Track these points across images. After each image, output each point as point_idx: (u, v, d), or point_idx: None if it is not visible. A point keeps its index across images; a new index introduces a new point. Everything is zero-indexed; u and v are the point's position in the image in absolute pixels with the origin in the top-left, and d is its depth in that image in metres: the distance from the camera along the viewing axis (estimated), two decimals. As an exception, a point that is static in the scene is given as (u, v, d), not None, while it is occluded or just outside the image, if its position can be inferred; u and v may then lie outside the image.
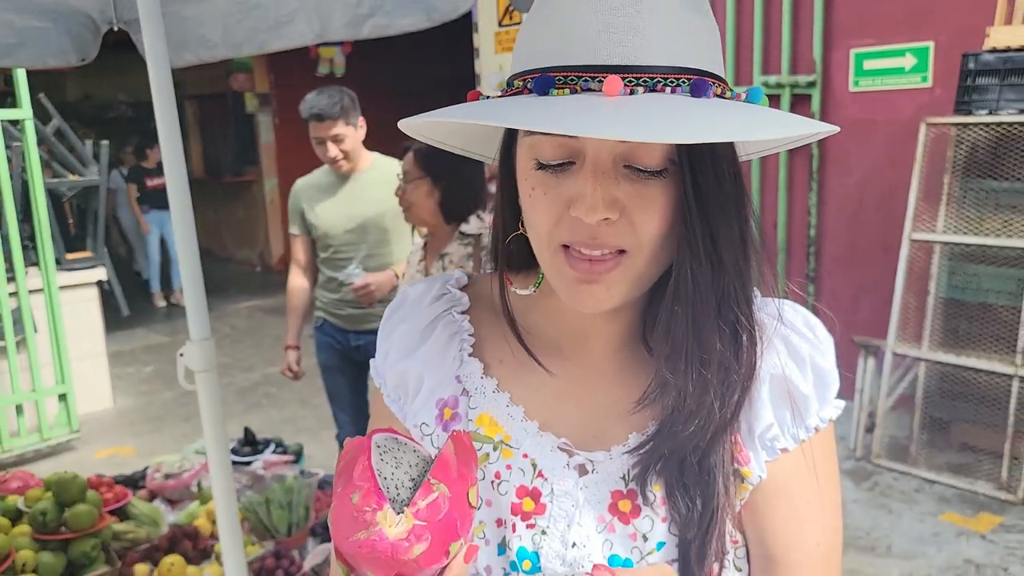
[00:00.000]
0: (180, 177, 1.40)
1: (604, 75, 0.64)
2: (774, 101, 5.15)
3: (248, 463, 3.11)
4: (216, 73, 9.45)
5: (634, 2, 0.65)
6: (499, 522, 0.80)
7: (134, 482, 3.04)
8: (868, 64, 4.74)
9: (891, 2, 4.61)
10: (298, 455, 3.23)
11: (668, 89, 0.65)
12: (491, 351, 0.86)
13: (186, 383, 1.51)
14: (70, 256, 5.27)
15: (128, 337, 7.03)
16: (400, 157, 2.57)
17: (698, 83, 0.66)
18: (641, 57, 0.65)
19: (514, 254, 0.83)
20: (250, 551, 2.48)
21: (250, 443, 3.29)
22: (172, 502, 2.90)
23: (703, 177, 0.69)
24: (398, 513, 0.62)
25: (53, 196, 5.15)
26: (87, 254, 5.37)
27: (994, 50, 3.94)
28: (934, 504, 3.81)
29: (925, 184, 4.16)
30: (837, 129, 0.71)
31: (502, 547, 0.80)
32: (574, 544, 0.78)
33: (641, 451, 0.77)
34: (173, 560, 2.20)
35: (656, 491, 0.78)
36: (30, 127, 4.58)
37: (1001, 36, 3.95)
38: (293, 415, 5.29)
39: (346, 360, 3.10)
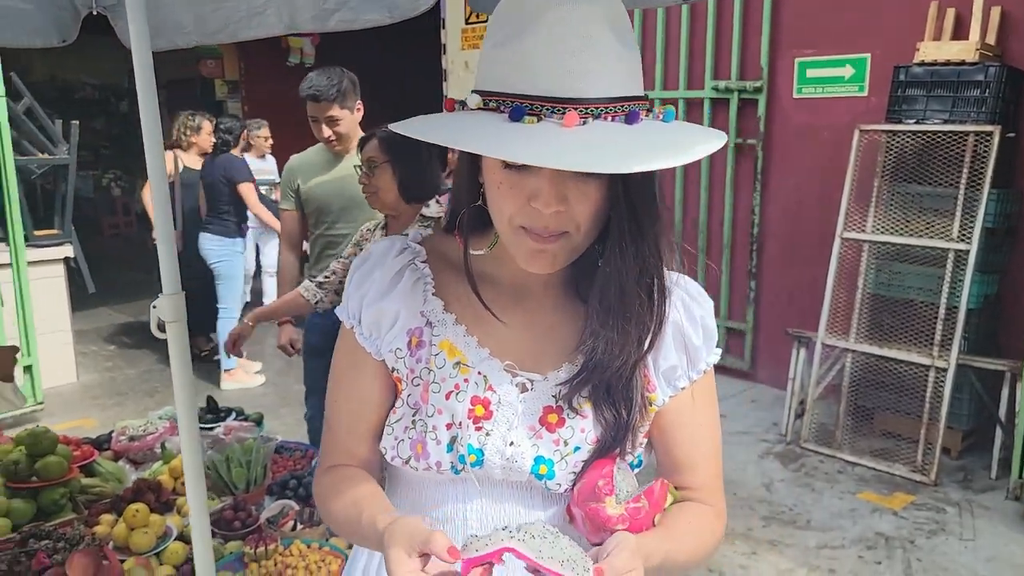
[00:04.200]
0: (157, 152, 1.59)
1: (565, 106, 0.86)
2: (723, 105, 5.42)
3: (211, 428, 3.28)
4: (185, 58, 9.51)
5: (587, 48, 0.86)
6: (448, 426, 1.02)
7: (99, 444, 3.19)
8: (811, 72, 5.02)
9: (833, 15, 4.89)
10: (259, 422, 3.40)
11: (609, 117, 0.88)
12: (449, 293, 1.08)
13: (158, 332, 1.71)
14: (38, 233, 5.36)
15: (93, 316, 7.12)
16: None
17: (632, 113, 0.89)
18: (591, 92, 0.87)
19: (471, 220, 1.04)
20: (210, 504, 2.65)
21: (212, 411, 3.46)
22: (136, 463, 3.06)
23: (630, 178, 0.93)
24: (618, 503, 0.97)
25: (22, 174, 5.25)
26: (55, 232, 5.47)
27: (923, 63, 4.23)
28: (854, 484, 4.09)
29: (857, 187, 4.45)
30: (725, 138, 0.95)
31: (451, 445, 1.02)
32: (511, 443, 1.02)
33: (575, 381, 1.02)
34: (138, 507, 2.37)
35: (585, 406, 1.03)
36: (2, 105, 4.69)
37: (929, 51, 4.24)
38: (254, 392, 5.45)
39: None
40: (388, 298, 1.08)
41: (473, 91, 0.94)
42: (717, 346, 1.13)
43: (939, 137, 4.16)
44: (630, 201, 0.95)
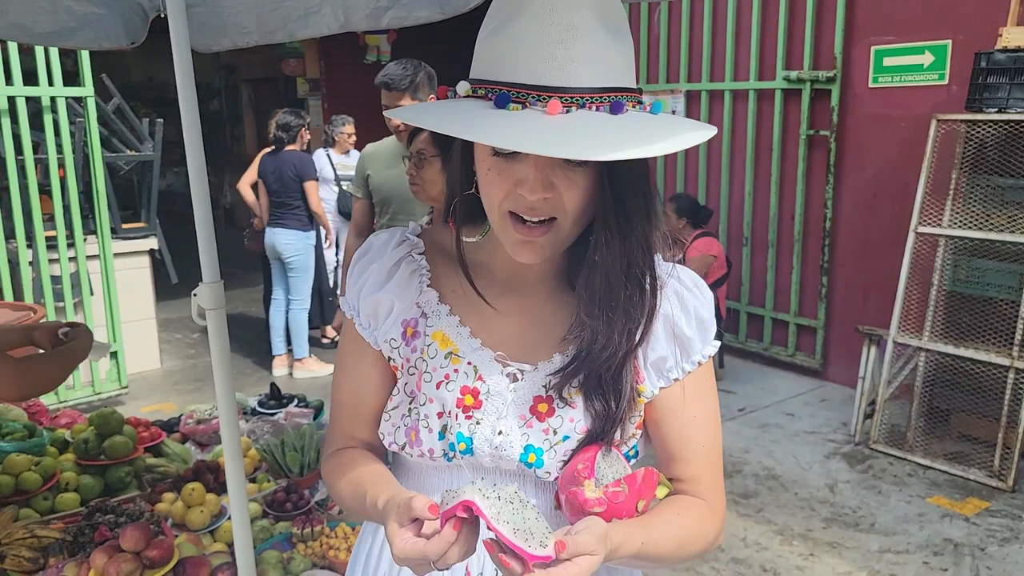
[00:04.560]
0: (196, 142, 1.67)
1: (549, 94, 0.87)
2: (795, 96, 5.29)
3: (272, 415, 3.41)
4: (269, 58, 9.82)
5: (572, 37, 0.87)
6: (439, 414, 1.05)
7: (170, 426, 3.36)
8: (888, 61, 4.84)
9: (912, 1, 4.71)
10: (319, 410, 3.50)
11: (594, 107, 0.88)
12: (444, 284, 1.11)
13: (199, 319, 1.79)
14: (125, 226, 5.65)
15: (178, 305, 7.44)
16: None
17: (616, 103, 0.89)
18: (575, 81, 0.88)
19: (464, 209, 1.06)
20: (265, 487, 2.77)
21: (275, 397, 3.59)
22: (202, 445, 3.21)
23: (616, 169, 0.93)
24: (596, 487, 0.98)
25: (111, 170, 5.53)
26: (141, 225, 5.75)
27: (1005, 49, 4.02)
28: (924, 488, 3.94)
29: (933, 179, 4.27)
30: (713, 131, 0.95)
31: (442, 434, 1.05)
32: (500, 432, 1.03)
33: (565, 371, 1.03)
34: (194, 487, 2.49)
35: (575, 396, 1.03)
36: (91, 104, 4.96)
37: (1013, 36, 4.03)
38: (324, 380, 5.61)
39: None
40: (384, 289, 1.11)
41: (466, 79, 0.96)
42: (718, 339, 1.12)
43: (1023, 127, 3.95)
44: (616, 192, 0.95)
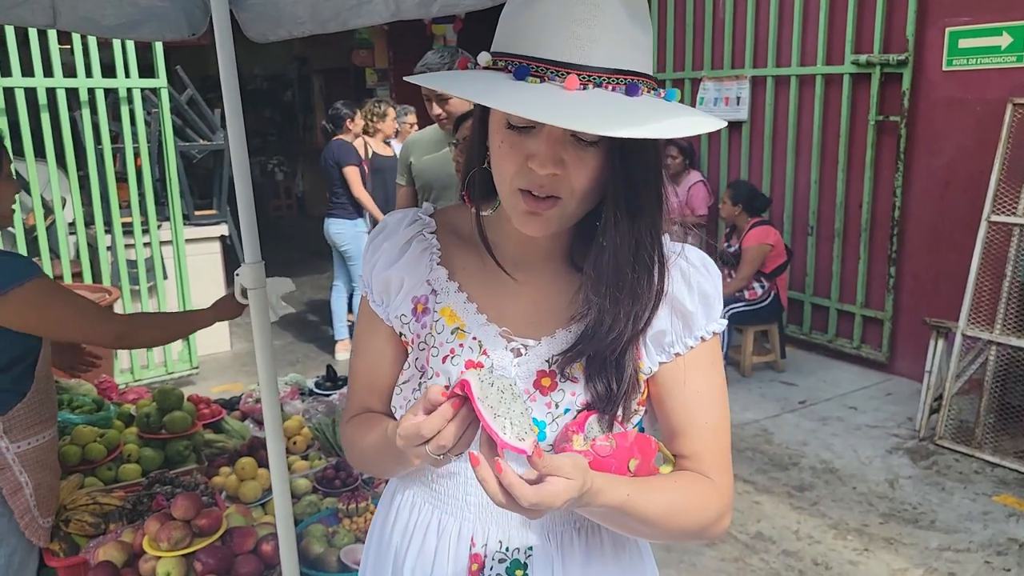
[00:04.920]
0: (238, 128, 1.74)
1: (567, 71, 0.88)
2: (864, 80, 5.13)
3: (327, 395, 3.50)
4: (340, 49, 10.02)
5: (594, 16, 0.88)
6: (447, 387, 1.07)
7: (231, 404, 3.48)
8: (963, 43, 4.65)
9: (989, -21, 4.51)
10: (372, 392, 3.59)
11: (610, 87, 0.90)
12: (454, 263, 1.13)
13: (241, 299, 1.87)
14: (198, 213, 5.86)
15: (249, 291, 7.67)
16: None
17: (631, 85, 0.91)
18: (594, 60, 0.89)
19: (478, 184, 1.09)
20: (316, 464, 2.85)
21: (331, 379, 3.69)
22: (260, 423, 3.32)
23: (629, 152, 0.95)
24: (584, 442, 0.99)
25: (185, 158, 5.75)
26: (212, 212, 5.96)
27: (1088, 29, 3.83)
28: (991, 486, 3.80)
29: (1008, 166, 4.10)
30: (723, 124, 0.95)
31: None
32: None
33: (570, 351, 1.04)
34: (247, 462, 2.59)
35: (577, 371, 1.05)
36: (165, 95, 5.16)
37: (1097, 14, 3.83)
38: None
39: None
40: (396, 267, 1.14)
41: (487, 51, 0.97)
42: (724, 317, 1.11)
43: (1105, 110, 3.76)
44: (628, 174, 0.96)
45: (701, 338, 1.08)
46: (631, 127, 0.84)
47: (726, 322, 1.13)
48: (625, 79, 0.90)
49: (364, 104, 5.92)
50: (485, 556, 1.10)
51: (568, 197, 0.96)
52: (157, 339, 2.26)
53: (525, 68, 0.90)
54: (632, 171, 0.96)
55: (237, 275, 1.83)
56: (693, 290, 1.07)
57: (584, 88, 0.88)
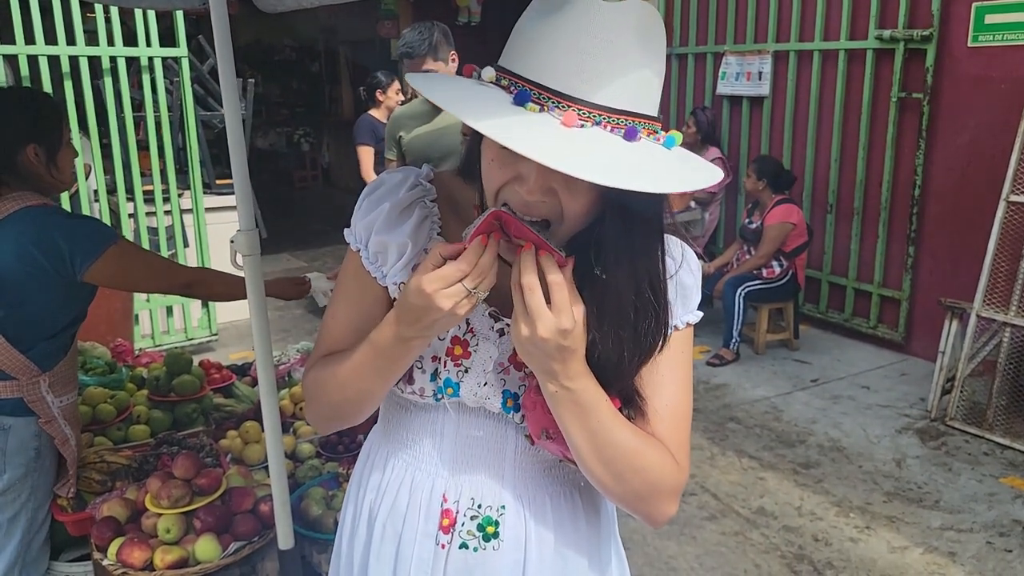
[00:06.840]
0: (233, 96, 1.77)
1: (568, 104, 0.85)
2: (887, 56, 5.04)
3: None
4: (366, 20, 10.00)
5: (605, 53, 0.86)
6: (434, 359, 1.10)
7: (243, 370, 3.56)
8: (990, 18, 4.56)
9: (1019, -47, 4.39)
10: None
11: (609, 127, 0.87)
12: (453, 235, 1.13)
13: (235, 264, 1.91)
14: (219, 182, 5.93)
15: (272, 261, 7.79)
16: None
17: (630, 129, 0.88)
18: (597, 97, 0.86)
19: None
20: (320, 429, 2.92)
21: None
22: (270, 389, 3.39)
23: (628, 193, 0.88)
24: None
25: (207, 127, 5.81)
26: (232, 180, 6.02)
27: (1118, 5, 3.73)
28: (999, 468, 3.78)
29: (1030, 145, 4.02)
30: (721, 176, 0.93)
31: (433, 376, 1.10)
32: (485, 384, 1.09)
33: None
34: (251, 425, 2.65)
35: None
36: (185, 64, 5.21)
37: None
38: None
39: None
40: (396, 231, 1.12)
41: (493, 65, 0.96)
42: (700, 307, 1.12)
43: None
44: (626, 214, 0.94)
45: (675, 327, 1.08)
46: (619, 175, 0.82)
47: (701, 314, 1.13)
48: (626, 121, 0.88)
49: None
50: (457, 512, 1.13)
51: (556, 220, 0.95)
52: (221, 295, 2.38)
53: (527, 93, 0.87)
54: (631, 211, 0.94)
55: (231, 242, 1.87)
56: (673, 281, 1.07)
57: (582, 126, 0.86)
